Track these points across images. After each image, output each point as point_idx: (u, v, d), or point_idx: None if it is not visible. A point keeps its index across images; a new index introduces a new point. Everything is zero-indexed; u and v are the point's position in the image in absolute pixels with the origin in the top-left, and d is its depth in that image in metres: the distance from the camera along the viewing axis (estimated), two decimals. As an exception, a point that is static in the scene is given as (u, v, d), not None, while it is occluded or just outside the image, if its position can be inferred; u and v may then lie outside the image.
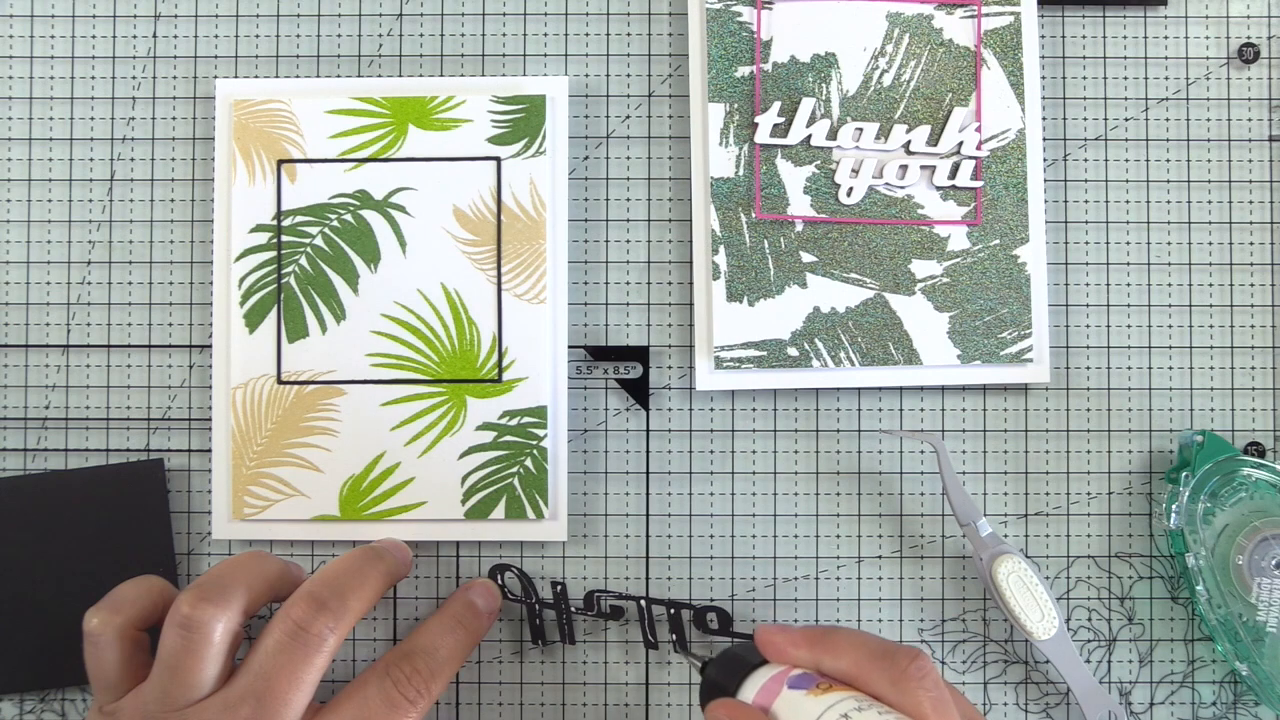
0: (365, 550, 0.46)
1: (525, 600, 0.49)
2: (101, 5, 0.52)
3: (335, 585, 0.43)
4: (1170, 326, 0.51)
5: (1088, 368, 0.51)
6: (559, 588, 0.49)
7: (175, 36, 0.52)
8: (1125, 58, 0.52)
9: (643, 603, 0.49)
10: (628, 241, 0.51)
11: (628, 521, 0.51)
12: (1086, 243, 0.51)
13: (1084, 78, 0.52)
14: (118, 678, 0.42)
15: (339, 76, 0.52)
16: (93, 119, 0.52)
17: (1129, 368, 0.51)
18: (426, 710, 0.44)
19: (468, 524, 0.50)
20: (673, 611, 0.49)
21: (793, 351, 0.50)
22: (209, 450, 0.51)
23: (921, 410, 0.51)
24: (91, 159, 0.52)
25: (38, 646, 0.50)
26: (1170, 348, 0.51)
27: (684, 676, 0.50)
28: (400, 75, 0.52)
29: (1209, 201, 0.51)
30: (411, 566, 0.49)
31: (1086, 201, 0.51)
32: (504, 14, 0.52)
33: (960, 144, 0.50)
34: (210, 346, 0.51)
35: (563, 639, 0.50)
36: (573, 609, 0.49)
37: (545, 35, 0.52)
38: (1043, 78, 0.52)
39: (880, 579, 0.51)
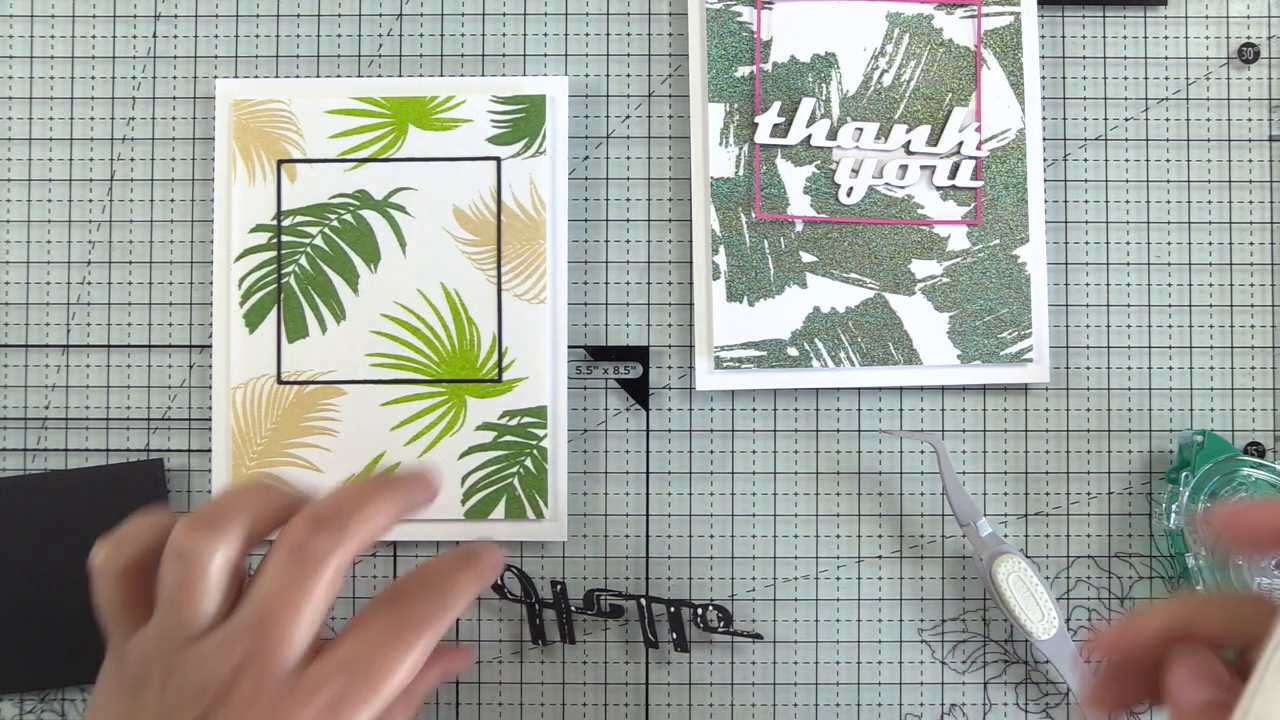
0: (378, 475, 0.42)
1: (525, 600, 0.49)
2: (101, 5, 0.52)
3: (337, 505, 0.39)
4: (1170, 326, 0.51)
5: (1088, 368, 0.51)
6: (559, 587, 0.49)
7: (175, 36, 0.52)
8: (1125, 58, 0.52)
9: (642, 601, 0.49)
10: (628, 241, 0.51)
11: (628, 521, 0.51)
12: (1086, 243, 0.51)
13: (1084, 78, 0.52)
14: (122, 616, 0.39)
15: (339, 76, 0.52)
16: (93, 119, 0.52)
17: (1129, 368, 0.51)
18: (432, 642, 0.40)
19: (468, 524, 0.50)
20: (673, 610, 0.49)
21: (793, 351, 0.50)
22: (209, 450, 0.51)
23: (921, 410, 0.51)
24: (91, 159, 0.52)
25: (38, 646, 0.50)
26: (1170, 348, 0.51)
27: (684, 676, 0.50)
28: (400, 75, 0.52)
29: (1209, 201, 0.51)
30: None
31: (1086, 201, 0.51)
32: (504, 14, 0.52)
33: (960, 144, 0.50)
34: (210, 346, 0.51)
35: (563, 639, 0.50)
36: (573, 608, 0.49)
37: (545, 35, 0.52)
38: (1043, 78, 0.52)
39: (880, 579, 0.51)
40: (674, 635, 0.49)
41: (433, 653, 0.40)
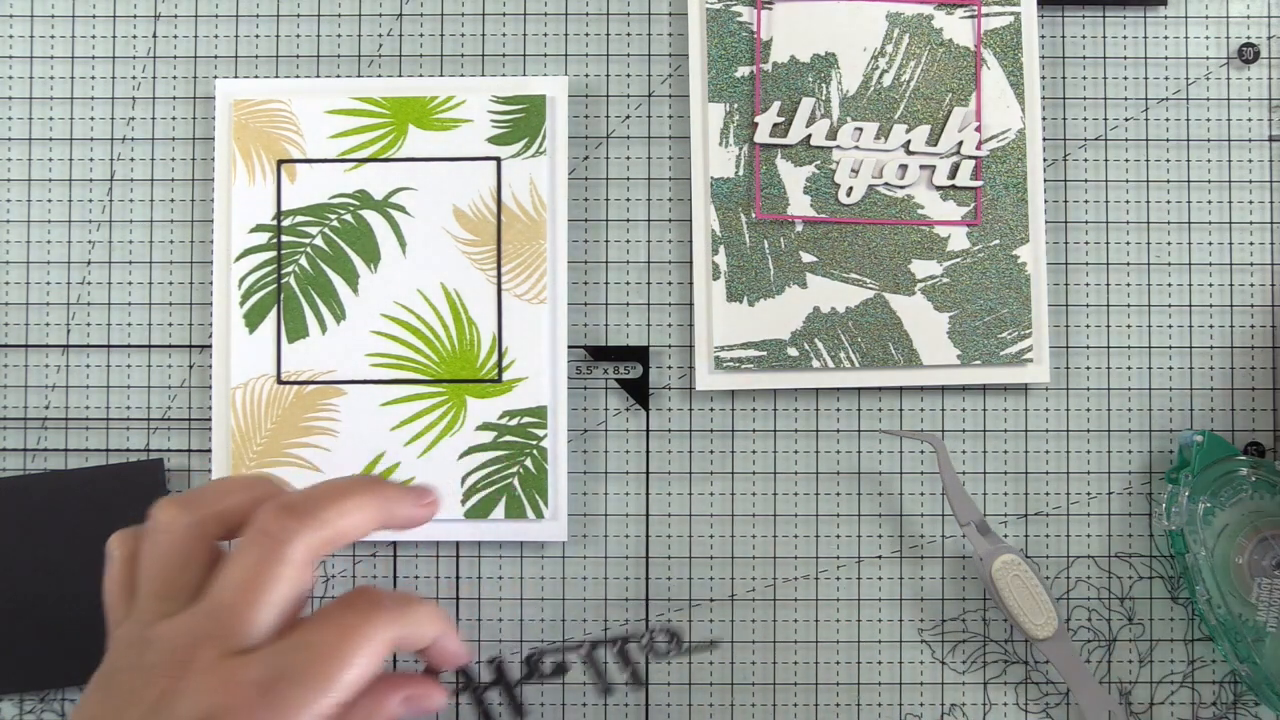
0: (365, 475, 0.42)
1: (469, 687, 0.44)
2: (101, 5, 0.52)
3: (309, 495, 0.39)
4: (1170, 326, 0.51)
5: (1088, 368, 0.51)
6: (495, 663, 0.45)
7: (175, 36, 0.52)
8: (1125, 58, 0.52)
9: (584, 649, 0.45)
10: (628, 241, 0.51)
11: (628, 522, 0.51)
12: (1086, 243, 0.51)
13: (1084, 78, 0.52)
14: (115, 601, 0.40)
15: (339, 76, 0.52)
16: (93, 119, 0.52)
17: (1129, 368, 0.51)
18: (389, 640, 0.39)
19: (468, 524, 0.50)
20: (617, 646, 0.45)
21: (793, 352, 0.50)
22: (209, 450, 0.51)
23: (921, 410, 0.51)
24: (91, 159, 0.52)
25: (38, 646, 0.50)
26: (1170, 348, 0.51)
27: (683, 677, 0.50)
28: (400, 75, 0.52)
29: (1209, 201, 0.51)
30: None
31: (1086, 201, 0.51)
32: (504, 14, 0.52)
33: (960, 144, 0.50)
34: (210, 346, 0.51)
35: (517, 716, 0.45)
36: (517, 678, 0.44)
37: (545, 35, 0.52)
38: (1043, 78, 0.52)
39: (880, 579, 0.51)
40: (628, 674, 0.45)
41: (401, 680, 0.40)
